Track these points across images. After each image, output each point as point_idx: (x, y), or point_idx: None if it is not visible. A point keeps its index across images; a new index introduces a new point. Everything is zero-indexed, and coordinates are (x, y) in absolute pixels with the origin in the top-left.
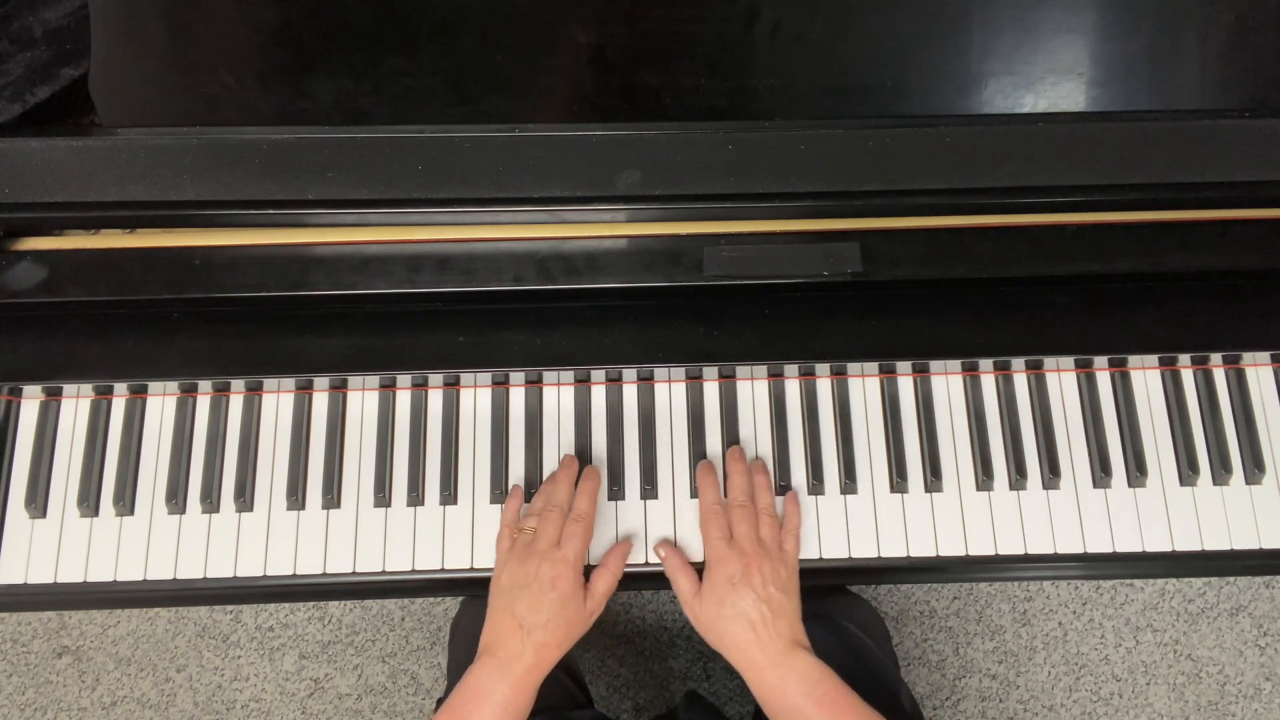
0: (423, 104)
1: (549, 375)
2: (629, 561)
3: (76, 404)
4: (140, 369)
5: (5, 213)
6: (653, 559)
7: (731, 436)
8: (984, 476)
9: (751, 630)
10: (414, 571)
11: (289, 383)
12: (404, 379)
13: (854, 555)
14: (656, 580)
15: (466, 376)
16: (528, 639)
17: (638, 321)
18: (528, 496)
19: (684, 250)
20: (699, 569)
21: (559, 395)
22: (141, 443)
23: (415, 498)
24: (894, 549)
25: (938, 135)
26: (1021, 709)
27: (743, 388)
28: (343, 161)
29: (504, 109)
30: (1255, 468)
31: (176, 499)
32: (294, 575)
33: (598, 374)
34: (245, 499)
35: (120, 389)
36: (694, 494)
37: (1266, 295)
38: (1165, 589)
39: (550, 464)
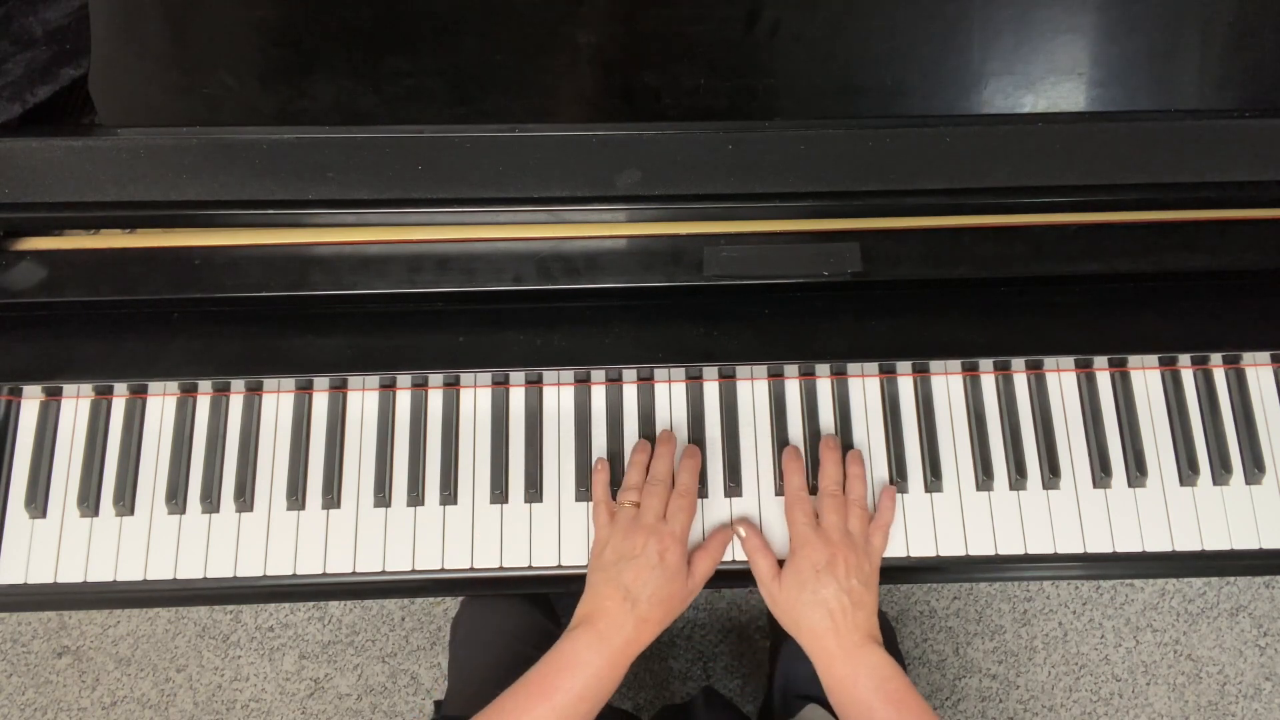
0: (423, 104)
1: (549, 375)
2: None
3: (76, 404)
4: (140, 369)
5: (5, 213)
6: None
7: (732, 436)
8: (984, 476)
9: (830, 619)
10: (414, 571)
11: (289, 383)
12: (404, 379)
13: None
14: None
15: (466, 376)
16: (631, 610)
17: (638, 321)
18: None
19: (684, 250)
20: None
21: (559, 395)
22: (141, 443)
23: (415, 498)
24: (894, 549)
25: (938, 135)
26: (1021, 709)
27: (743, 388)
28: (343, 161)
29: (504, 109)
30: (1255, 468)
31: (176, 499)
32: (294, 575)
33: (598, 374)
34: (245, 499)
35: (120, 389)
36: (702, 493)
37: (1266, 295)
38: (1165, 589)
39: (551, 464)
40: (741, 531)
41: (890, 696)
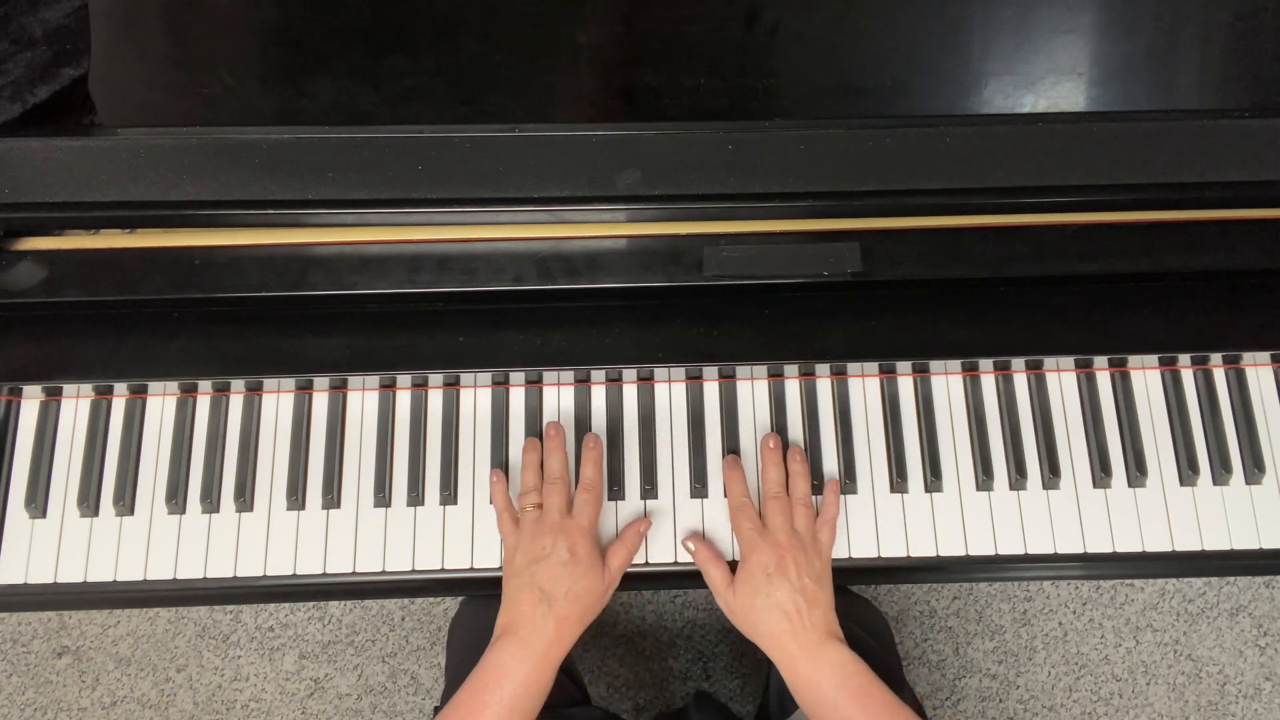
0: (423, 104)
1: (549, 375)
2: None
3: (76, 404)
4: (140, 369)
5: (5, 213)
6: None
7: (731, 436)
8: (984, 476)
9: (786, 620)
10: (414, 571)
11: (289, 383)
12: (404, 379)
13: (854, 555)
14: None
15: (466, 376)
16: (549, 611)
17: (638, 321)
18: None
19: (684, 250)
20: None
21: (559, 395)
22: (141, 443)
23: (415, 498)
24: (894, 549)
25: (938, 135)
26: (1021, 709)
27: (743, 388)
28: (343, 161)
29: (504, 109)
30: (1255, 468)
31: (176, 499)
32: (294, 575)
33: (598, 374)
34: (245, 499)
35: (120, 389)
36: (694, 494)
37: (1266, 295)
38: (1165, 589)
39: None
40: (690, 545)
41: (854, 693)
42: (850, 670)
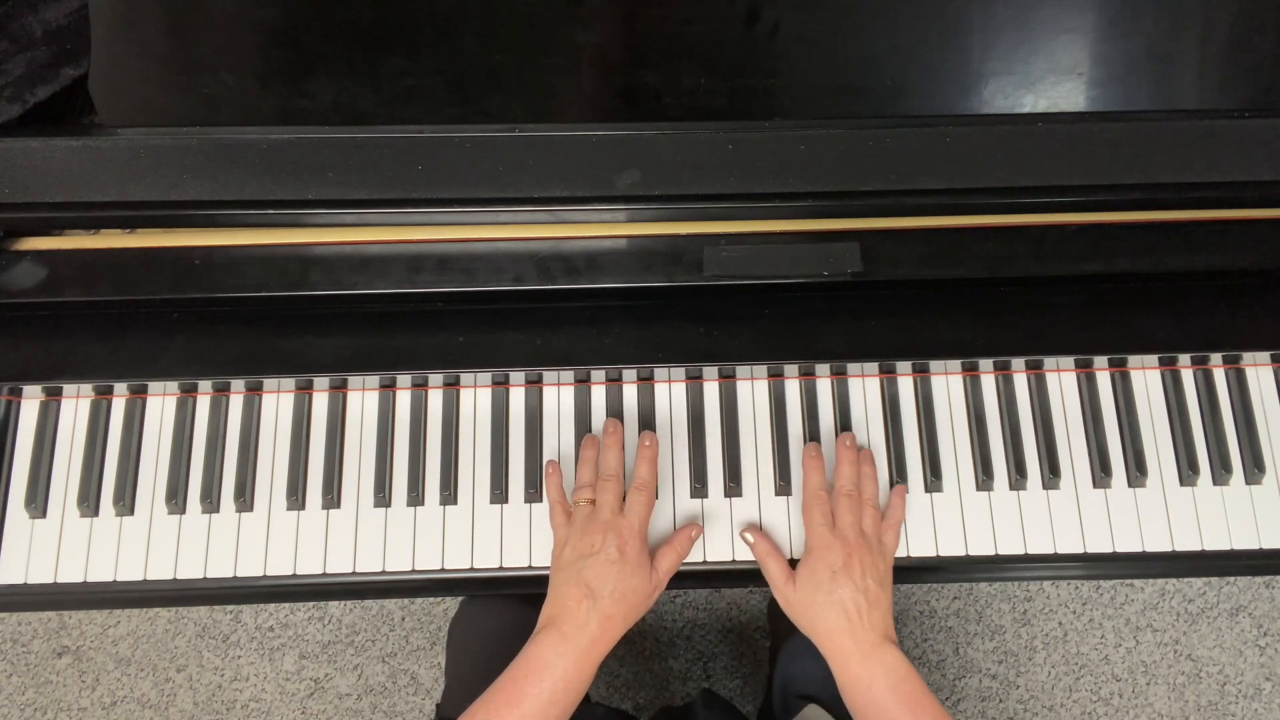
0: (423, 104)
1: (549, 375)
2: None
3: (76, 404)
4: (140, 369)
5: (5, 213)
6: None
7: (732, 437)
8: (984, 476)
9: (845, 619)
10: (414, 571)
11: (289, 383)
12: (404, 379)
13: None
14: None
15: (466, 376)
16: (594, 608)
17: (638, 321)
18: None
19: (684, 250)
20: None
21: (559, 395)
22: (141, 443)
23: (415, 498)
24: None
25: (938, 135)
26: (1021, 709)
27: (743, 388)
28: (343, 161)
29: (504, 109)
30: (1255, 468)
31: (176, 499)
32: (294, 575)
33: (598, 374)
34: (245, 499)
35: (120, 389)
36: (694, 494)
37: (1266, 295)
38: (1165, 589)
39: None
40: (749, 538)
41: (905, 697)
42: (903, 675)
